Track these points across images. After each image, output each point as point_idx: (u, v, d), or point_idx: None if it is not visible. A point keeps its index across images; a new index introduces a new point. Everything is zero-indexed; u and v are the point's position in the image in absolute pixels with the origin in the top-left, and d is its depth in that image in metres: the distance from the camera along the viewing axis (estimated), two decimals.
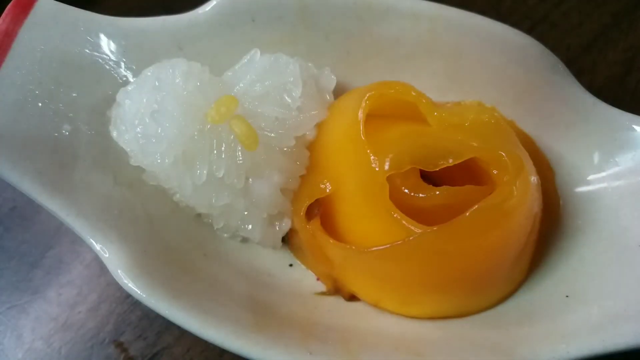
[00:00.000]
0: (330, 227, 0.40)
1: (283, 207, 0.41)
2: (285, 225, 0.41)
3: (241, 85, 0.41)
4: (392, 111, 0.40)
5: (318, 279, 0.42)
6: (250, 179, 0.39)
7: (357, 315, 0.40)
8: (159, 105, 0.39)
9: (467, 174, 0.39)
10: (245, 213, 0.40)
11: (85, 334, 0.44)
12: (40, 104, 0.39)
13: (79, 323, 0.44)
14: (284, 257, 0.43)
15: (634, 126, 0.40)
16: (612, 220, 0.40)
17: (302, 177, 0.41)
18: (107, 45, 0.43)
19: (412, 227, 0.35)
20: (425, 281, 0.38)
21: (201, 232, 0.43)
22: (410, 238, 0.35)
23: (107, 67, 0.43)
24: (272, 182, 0.40)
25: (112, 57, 0.43)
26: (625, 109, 0.41)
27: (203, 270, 0.40)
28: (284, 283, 0.42)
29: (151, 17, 0.44)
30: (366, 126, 0.38)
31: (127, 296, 0.45)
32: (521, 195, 0.36)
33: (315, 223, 0.39)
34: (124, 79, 0.43)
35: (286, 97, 0.40)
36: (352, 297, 0.41)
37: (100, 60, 0.43)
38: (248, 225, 0.41)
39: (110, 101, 0.42)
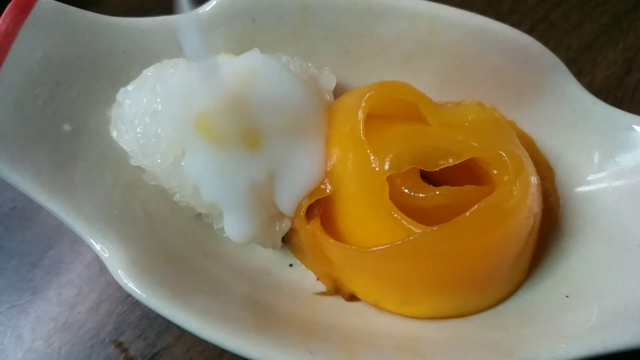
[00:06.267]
0: (330, 227, 0.40)
1: None
2: (285, 225, 0.41)
3: None
4: (392, 111, 0.40)
5: (318, 279, 0.42)
6: None
7: (357, 315, 0.40)
8: (159, 105, 0.39)
9: (467, 174, 0.39)
10: None
11: (85, 334, 0.44)
12: (40, 104, 0.39)
13: (79, 323, 0.44)
14: (284, 257, 0.43)
15: (634, 126, 0.40)
16: (612, 220, 0.40)
17: None
18: (107, 45, 0.43)
19: (412, 227, 0.35)
20: (425, 281, 0.38)
21: (201, 232, 0.43)
22: (410, 238, 0.35)
23: (107, 67, 0.43)
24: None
25: (112, 57, 0.43)
26: (625, 109, 0.41)
27: (203, 270, 0.40)
28: (284, 283, 0.42)
29: (151, 17, 0.44)
30: (366, 126, 0.38)
31: (127, 296, 0.45)
32: (521, 195, 0.36)
33: (315, 223, 0.39)
34: (124, 79, 0.43)
35: None
36: (352, 297, 0.41)
37: (100, 60, 0.43)
38: None
39: (110, 101, 0.42)
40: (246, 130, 0.38)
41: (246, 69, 0.39)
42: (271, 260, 0.43)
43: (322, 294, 0.41)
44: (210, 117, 0.37)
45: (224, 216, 0.39)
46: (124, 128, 0.41)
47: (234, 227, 0.39)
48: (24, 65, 0.39)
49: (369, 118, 0.38)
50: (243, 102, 0.38)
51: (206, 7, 0.44)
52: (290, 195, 0.39)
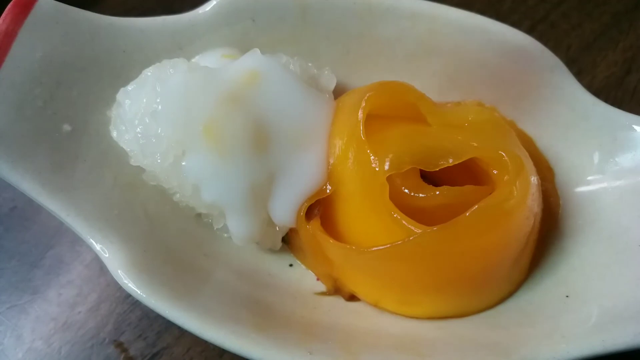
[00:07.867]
0: (330, 227, 0.40)
1: None
2: (285, 226, 0.41)
3: None
4: (392, 111, 0.40)
5: (318, 279, 0.42)
6: None
7: (357, 315, 0.40)
8: (159, 105, 0.39)
9: (467, 174, 0.39)
10: None
11: (85, 334, 0.44)
12: (40, 104, 0.39)
13: (79, 323, 0.44)
14: (284, 257, 0.43)
15: (634, 126, 0.40)
16: (612, 220, 0.40)
17: None
18: (107, 45, 0.43)
19: (412, 227, 0.35)
20: (425, 281, 0.38)
21: (201, 232, 0.43)
22: (410, 238, 0.35)
23: (107, 67, 0.43)
24: None
25: (112, 57, 0.43)
26: (625, 109, 0.41)
27: (203, 270, 0.40)
28: (284, 283, 0.42)
29: (151, 17, 0.44)
30: (366, 126, 0.38)
31: (127, 296, 0.45)
32: (521, 195, 0.36)
33: (315, 223, 0.39)
34: (124, 79, 0.43)
35: None
36: (352, 297, 0.41)
37: (100, 60, 0.43)
38: None
39: (110, 101, 0.42)
40: (249, 133, 0.38)
41: (249, 71, 0.39)
42: (271, 260, 0.43)
43: (322, 294, 0.41)
44: (214, 122, 0.37)
45: (227, 218, 0.39)
46: (124, 128, 0.41)
47: (235, 228, 0.39)
48: (24, 65, 0.39)
49: (369, 118, 0.38)
50: (246, 105, 0.38)
51: (206, 7, 0.44)
52: (287, 200, 0.39)
